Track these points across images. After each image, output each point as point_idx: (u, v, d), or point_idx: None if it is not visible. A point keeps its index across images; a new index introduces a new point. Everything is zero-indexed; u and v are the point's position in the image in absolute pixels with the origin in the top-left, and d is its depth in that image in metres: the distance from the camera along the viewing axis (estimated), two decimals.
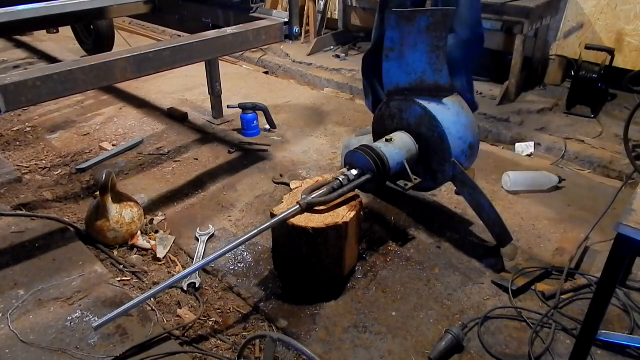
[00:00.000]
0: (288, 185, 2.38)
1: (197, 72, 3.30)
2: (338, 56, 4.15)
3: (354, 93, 3.68)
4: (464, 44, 1.91)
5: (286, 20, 2.30)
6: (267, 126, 2.99)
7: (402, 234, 2.09)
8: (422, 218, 2.19)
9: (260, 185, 2.44)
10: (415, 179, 1.86)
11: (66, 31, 4.77)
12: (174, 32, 5.02)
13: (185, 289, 1.78)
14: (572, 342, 1.55)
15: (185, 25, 4.69)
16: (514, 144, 2.90)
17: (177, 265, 1.93)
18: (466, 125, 1.86)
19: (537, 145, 2.86)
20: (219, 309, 1.72)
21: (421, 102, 1.84)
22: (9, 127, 3.04)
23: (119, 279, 1.82)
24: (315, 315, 1.68)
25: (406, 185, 1.84)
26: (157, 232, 2.07)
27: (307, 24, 4.42)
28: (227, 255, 1.90)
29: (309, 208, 1.65)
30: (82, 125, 3.08)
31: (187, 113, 3.21)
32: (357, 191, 1.79)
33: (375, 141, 1.94)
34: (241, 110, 2.91)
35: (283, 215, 1.61)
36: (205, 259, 1.56)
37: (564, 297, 1.74)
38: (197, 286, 1.78)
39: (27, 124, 3.09)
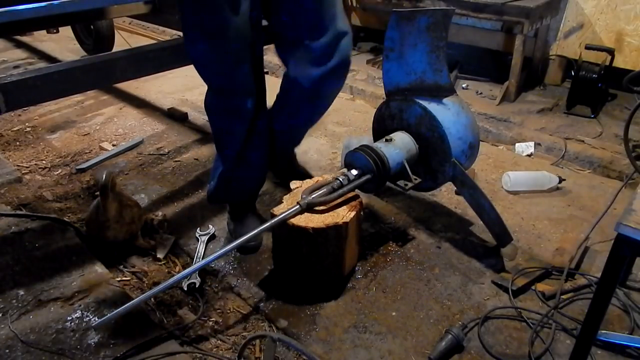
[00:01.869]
0: (288, 185, 2.37)
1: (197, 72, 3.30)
2: None
3: (354, 93, 3.68)
4: None
5: None
6: None
7: (402, 234, 2.09)
8: (422, 218, 2.19)
9: None
10: (415, 179, 1.86)
11: (66, 31, 4.77)
12: (174, 32, 5.01)
13: (185, 289, 1.78)
14: (572, 342, 1.55)
15: None
16: (514, 144, 2.91)
17: (177, 265, 1.93)
18: (466, 125, 1.86)
19: (537, 145, 2.86)
20: (219, 309, 1.72)
21: (421, 102, 1.84)
22: (9, 127, 3.04)
23: (119, 279, 1.82)
24: (315, 315, 1.68)
25: (406, 185, 1.84)
26: (157, 232, 2.07)
27: None
28: (227, 255, 1.90)
29: (309, 208, 1.66)
30: (82, 125, 3.08)
31: (187, 113, 3.22)
32: (357, 191, 1.79)
33: (375, 141, 1.94)
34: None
35: (283, 215, 1.61)
36: (205, 259, 1.56)
37: (564, 297, 1.74)
38: (197, 286, 1.78)
39: (27, 124, 3.09)
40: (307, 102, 1.94)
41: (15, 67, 4.13)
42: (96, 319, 1.56)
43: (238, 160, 1.90)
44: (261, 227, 1.59)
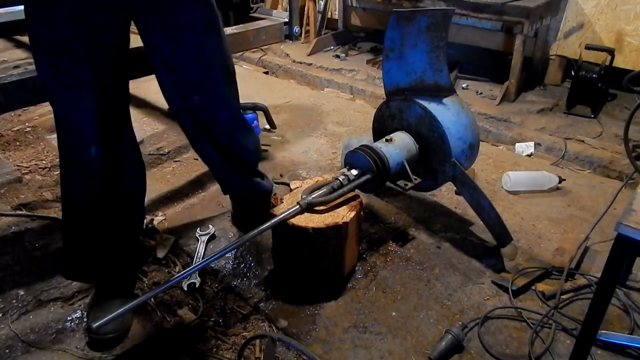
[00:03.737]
0: (288, 185, 2.38)
1: None
2: (338, 56, 4.15)
3: (354, 93, 3.69)
4: None
5: (286, 20, 2.31)
6: (267, 126, 2.99)
7: (402, 234, 2.09)
8: (422, 218, 2.19)
9: None
10: (415, 179, 1.86)
11: None
12: None
13: (185, 289, 1.78)
14: (572, 342, 1.55)
15: None
16: (514, 144, 2.91)
17: (177, 265, 1.93)
18: (466, 125, 1.86)
19: (537, 145, 2.86)
20: (218, 309, 1.72)
21: (421, 102, 1.84)
22: (9, 127, 3.04)
23: None
24: (315, 315, 1.68)
25: (406, 185, 1.84)
26: (157, 232, 2.07)
27: (307, 24, 4.42)
28: (227, 255, 1.90)
29: (309, 208, 1.65)
30: None
31: None
32: (357, 191, 1.80)
33: (375, 141, 1.94)
34: (241, 110, 2.90)
35: (283, 215, 1.61)
36: (205, 259, 1.56)
37: (564, 297, 1.74)
38: (197, 286, 1.78)
39: (27, 124, 3.09)
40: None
41: (15, 67, 4.11)
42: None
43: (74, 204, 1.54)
44: (261, 227, 1.59)
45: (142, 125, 3.09)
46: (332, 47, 4.38)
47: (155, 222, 2.12)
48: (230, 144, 1.81)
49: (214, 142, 1.77)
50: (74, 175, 1.50)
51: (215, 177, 1.98)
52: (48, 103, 1.44)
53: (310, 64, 4.07)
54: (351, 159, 1.81)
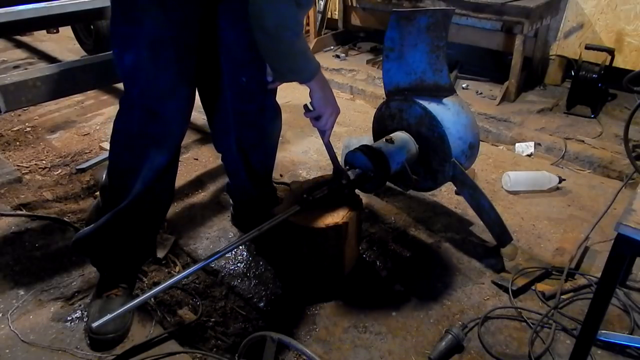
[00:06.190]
0: (288, 185, 2.38)
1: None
2: (338, 56, 4.15)
3: (354, 93, 3.69)
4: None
5: None
6: None
7: (402, 234, 2.09)
8: (422, 218, 2.19)
9: None
10: (416, 179, 1.86)
11: (66, 31, 4.77)
12: None
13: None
14: (572, 342, 1.55)
15: None
16: (514, 144, 2.91)
17: (177, 265, 1.93)
18: (466, 125, 1.86)
19: (537, 145, 2.86)
20: (219, 309, 1.72)
21: (421, 102, 1.84)
22: (9, 127, 3.04)
23: None
24: (315, 315, 1.68)
25: (406, 185, 1.84)
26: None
27: (307, 24, 4.42)
28: (227, 255, 1.90)
29: (308, 207, 1.65)
30: (82, 125, 3.08)
31: None
32: (357, 191, 1.79)
33: (375, 141, 1.94)
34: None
35: (283, 215, 1.61)
36: (205, 259, 1.56)
37: (564, 297, 1.74)
38: None
39: (27, 124, 3.09)
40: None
41: (15, 67, 4.13)
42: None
43: (144, 197, 1.57)
44: (261, 227, 1.59)
45: None
46: (332, 47, 4.38)
47: None
48: (259, 134, 1.83)
49: (240, 138, 1.80)
50: (157, 153, 1.54)
51: (229, 172, 1.99)
52: (48, 103, 1.45)
53: None
54: (351, 159, 1.81)
